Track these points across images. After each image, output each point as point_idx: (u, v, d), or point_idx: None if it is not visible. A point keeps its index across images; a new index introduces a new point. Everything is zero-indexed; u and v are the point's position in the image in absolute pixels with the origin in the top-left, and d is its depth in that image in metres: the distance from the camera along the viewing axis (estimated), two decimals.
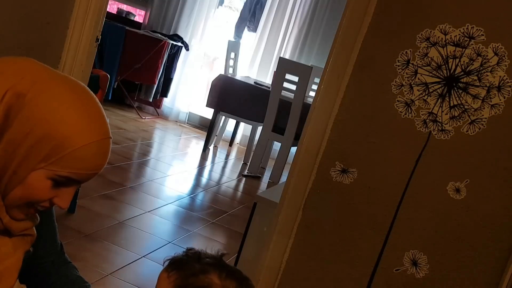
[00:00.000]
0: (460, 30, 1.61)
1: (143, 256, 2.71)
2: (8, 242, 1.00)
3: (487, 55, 1.60)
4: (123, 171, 3.99)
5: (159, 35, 6.02)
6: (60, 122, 0.89)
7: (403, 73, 1.67)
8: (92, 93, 0.97)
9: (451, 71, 1.63)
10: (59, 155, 0.89)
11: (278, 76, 4.73)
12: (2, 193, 0.92)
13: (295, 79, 4.64)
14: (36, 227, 1.06)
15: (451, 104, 1.64)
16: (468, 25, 1.61)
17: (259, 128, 5.14)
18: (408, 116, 1.67)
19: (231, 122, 5.88)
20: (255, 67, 6.22)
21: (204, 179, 4.66)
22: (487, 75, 1.61)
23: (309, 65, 5.18)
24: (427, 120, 1.66)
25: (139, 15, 6.64)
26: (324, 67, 1.78)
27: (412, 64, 1.66)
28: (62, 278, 1.17)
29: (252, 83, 5.29)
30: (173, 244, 2.98)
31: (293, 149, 4.61)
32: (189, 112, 6.50)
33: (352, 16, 1.71)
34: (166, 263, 0.99)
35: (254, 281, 1.85)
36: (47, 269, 1.17)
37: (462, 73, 1.62)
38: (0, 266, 0.99)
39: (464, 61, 1.62)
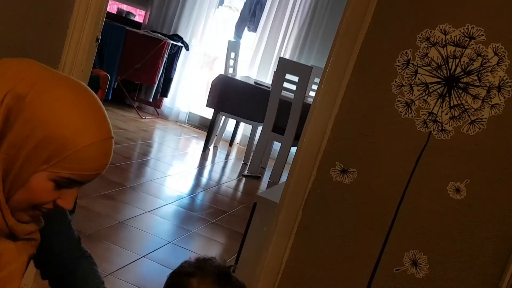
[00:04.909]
0: (460, 30, 1.61)
1: (143, 256, 2.71)
2: (12, 247, 0.99)
3: (487, 55, 1.60)
4: (123, 171, 3.99)
5: (159, 35, 6.02)
6: (61, 123, 0.88)
7: (403, 73, 1.67)
8: (93, 93, 0.96)
9: (451, 71, 1.63)
10: (61, 157, 0.89)
11: (278, 76, 4.73)
12: (6, 196, 0.92)
13: (295, 79, 4.64)
14: (48, 224, 1.06)
15: (451, 104, 1.64)
16: (468, 25, 1.61)
17: (259, 128, 5.14)
18: (408, 116, 1.67)
19: (231, 122, 5.88)
20: (255, 67, 6.22)
21: (204, 179, 4.66)
22: (487, 75, 1.61)
23: (309, 65, 5.18)
24: (427, 120, 1.66)
25: (139, 15, 6.64)
26: (324, 67, 1.78)
27: (412, 64, 1.66)
28: (76, 273, 1.18)
29: (252, 83, 5.29)
30: (173, 244, 2.98)
31: (293, 149, 4.61)
32: (189, 112, 6.50)
33: (352, 16, 1.71)
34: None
35: (254, 281, 1.85)
36: (65, 265, 1.18)
37: (462, 73, 1.62)
38: (4, 271, 0.98)
39: (464, 61, 1.62)
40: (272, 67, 5.99)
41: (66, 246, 1.19)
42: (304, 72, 4.63)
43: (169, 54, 6.10)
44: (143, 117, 6.12)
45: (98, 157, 0.93)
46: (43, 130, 0.87)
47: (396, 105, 1.68)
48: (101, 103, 0.97)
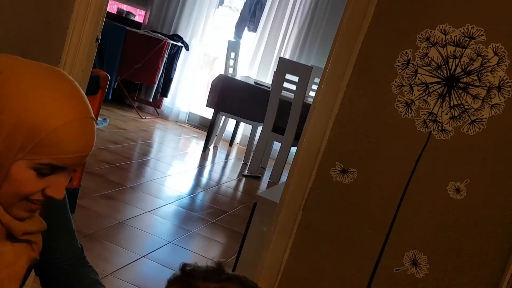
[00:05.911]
0: (460, 30, 1.61)
1: (143, 256, 2.71)
2: (10, 250, 0.96)
3: (487, 55, 1.60)
4: (123, 171, 3.99)
5: (159, 35, 6.02)
6: (28, 109, 0.86)
7: (403, 73, 1.67)
8: (68, 76, 0.94)
9: (451, 71, 1.63)
10: (34, 142, 0.87)
11: (278, 76, 4.73)
12: None
13: (295, 79, 4.64)
14: (51, 231, 1.03)
15: (451, 104, 1.64)
16: (468, 25, 1.61)
17: (259, 128, 5.14)
18: (408, 116, 1.67)
19: (231, 122, 5.88)
20: (255, 67, 6.22)
21: (204, 179, 4.66)
22: (487, 75, 1.61)
23: (309, 65, 5.18)
24: (427, 120, 1.66)
25: (139, 15, 6.64)
26: (324, 67, 1.78)
27: (412, 64, 1.66)
28: (77, 280, 1.14)
29: (252, 83, 5.29)
30: (173, 244, 2.98)
31: (293, 149, 4.61)
32: (189, 112, 6.50)
33: (352, 16, 1.71)
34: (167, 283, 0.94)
35: (254, 281, 1.85)
36: (65, 273, 1.15)
37: (462, 73, 1.63)
38: (0, 274, 0.96)
39: (464, 61, 1.62)
40: (272, 67, 5.99)
41: (69, 254, 1.16)
42: (304, 72, 4.63)
43: (169, 54, 6.10)
44: (143, 117, 6.12)
45: (75, 137, 0.89)
46: (12, 118, 0.86)
47: (396, 105, 1.68)
48: (77, 85, 0.93)
